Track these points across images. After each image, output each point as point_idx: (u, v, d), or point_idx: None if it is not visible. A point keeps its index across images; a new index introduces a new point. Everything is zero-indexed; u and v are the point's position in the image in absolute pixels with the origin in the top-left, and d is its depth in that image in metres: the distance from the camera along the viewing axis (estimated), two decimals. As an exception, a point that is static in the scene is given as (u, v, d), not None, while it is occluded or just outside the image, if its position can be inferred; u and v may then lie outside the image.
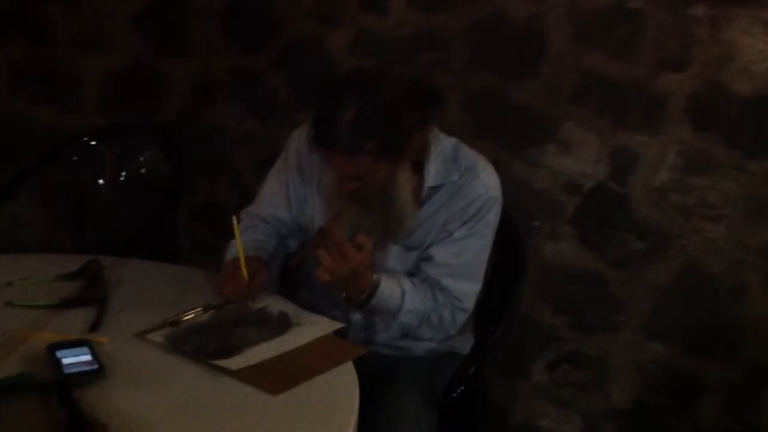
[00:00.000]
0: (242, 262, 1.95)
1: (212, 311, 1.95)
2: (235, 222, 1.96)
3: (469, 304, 2.14)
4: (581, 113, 2.74)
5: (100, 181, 2.86)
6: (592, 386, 2.92)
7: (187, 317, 1.91)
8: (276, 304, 2.00)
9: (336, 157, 1.95)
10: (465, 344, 2.30)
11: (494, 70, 2.85)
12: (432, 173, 2.10)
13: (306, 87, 3.12)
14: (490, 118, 2.90)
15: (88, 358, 1.67)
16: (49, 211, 3.72)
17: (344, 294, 2.05)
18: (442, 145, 2.13)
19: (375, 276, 2.02)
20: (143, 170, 2.86)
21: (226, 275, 2.00)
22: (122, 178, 2.87)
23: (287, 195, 2.25)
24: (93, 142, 2.84)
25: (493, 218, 2.13)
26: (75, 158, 2.81)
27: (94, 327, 1.85)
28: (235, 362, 1.72)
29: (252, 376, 1.69)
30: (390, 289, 2.04)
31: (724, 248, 2.62)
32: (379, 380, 2.13)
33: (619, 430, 2.93)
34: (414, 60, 2.95)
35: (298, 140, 2.22)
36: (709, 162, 2.58)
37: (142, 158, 2.87)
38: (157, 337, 1.81)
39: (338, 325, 1.97)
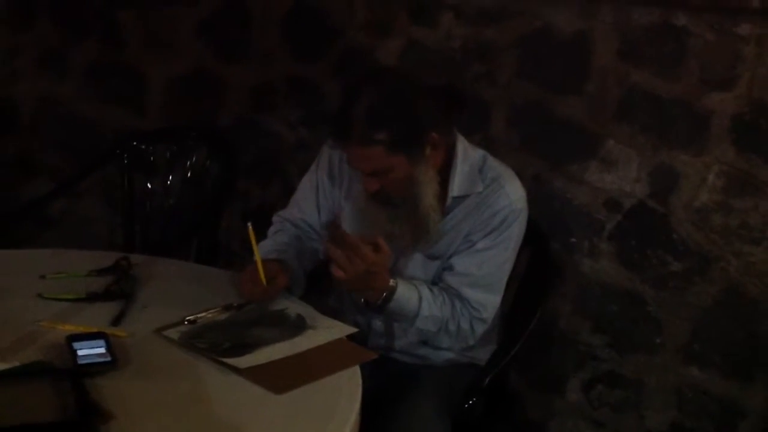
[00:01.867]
0: (259, 265, 1.99)
1: (231, 311, 2.00)
2: (250, 227, 2.00)
3: (488, 314, 2.15)
4: (624, 130, 2.71)
5: (149, 184, 2.93)
6: (628, 408, 2.87)
7: (206, 315, 1.96)
8: (295, 307, 2.04)
9: (351, 151, 2.00)
10: (487, 356, 2.30)
11: (539, 84, 2.85)
12: (457, 183, 2.11)
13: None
14: (534, 132, 2.90)
15: (102, 350, 1.73)
16: (110, 210, 3.86)
17: (362, 298, 2.09)
18: (470, 156, 2.15)
19: (392, 281, 2.05)
20: (191, 173, 2.93)
21: (245, 278, 2.04)
22: (171, 181, 2.95)
23: (317, 200, 2.30)
24: (143, 145, 2.92)
25: (516, 230, 2.13)
26: (127, 160, 2.88)
27: (116, 321, 1.92)
28: (244, 361, 1.77)
29: (258, 374, 1.74)
30: (407, 294, 2.07)
31: (765, 272, 2.56)
32: (396, 387, 2.16)
33: (654, 454, 2.89)
34: (462, 72, 2.96)
35: (330, 148, 2.27)
36: (751, 183, 2.53)
37: (191, 161, 2.94)
38: (174, 333, 1.87)
39: (352, 329, 2.00)
